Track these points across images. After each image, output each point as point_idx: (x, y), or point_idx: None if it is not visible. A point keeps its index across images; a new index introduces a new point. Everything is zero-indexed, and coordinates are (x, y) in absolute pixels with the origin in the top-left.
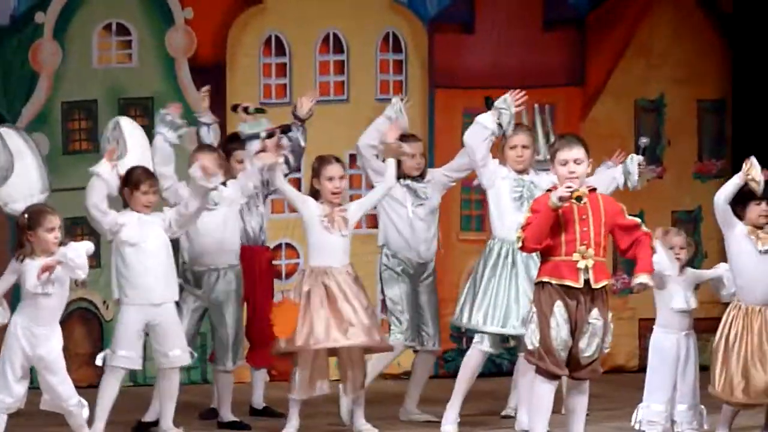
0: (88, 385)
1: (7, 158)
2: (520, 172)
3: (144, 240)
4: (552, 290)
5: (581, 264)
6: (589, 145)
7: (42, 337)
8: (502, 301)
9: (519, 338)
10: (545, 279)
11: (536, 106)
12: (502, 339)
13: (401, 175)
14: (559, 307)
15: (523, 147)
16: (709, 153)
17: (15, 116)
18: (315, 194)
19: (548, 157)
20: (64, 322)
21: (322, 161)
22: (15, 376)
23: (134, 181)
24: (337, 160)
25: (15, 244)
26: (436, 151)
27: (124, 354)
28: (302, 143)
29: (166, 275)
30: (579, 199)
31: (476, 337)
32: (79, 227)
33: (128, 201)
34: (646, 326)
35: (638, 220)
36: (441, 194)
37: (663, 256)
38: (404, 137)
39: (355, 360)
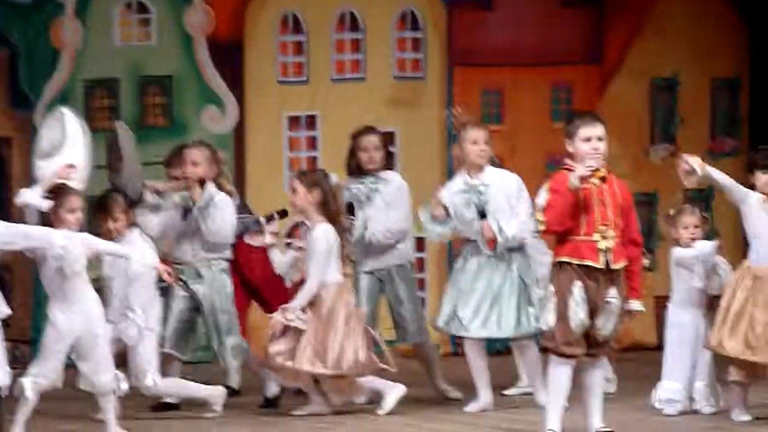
0: None
1: (61, 137)
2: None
3: None
4: (571, 270)
5: (602, 245)
6: (607, 123)
7: (82, 315)
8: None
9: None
10: (564, 259)
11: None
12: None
13: (360, 170)
14: (578, 288)
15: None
16: (723, 131)
17: (38, 94)
18: None
19: None
20: None
21: None
22: (58, 359)
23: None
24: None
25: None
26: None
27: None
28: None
29: None
30: (603, 179)
31: None
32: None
33: None
34: (661, 304)
35: (639, 236)
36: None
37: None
38: (369, 130)
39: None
